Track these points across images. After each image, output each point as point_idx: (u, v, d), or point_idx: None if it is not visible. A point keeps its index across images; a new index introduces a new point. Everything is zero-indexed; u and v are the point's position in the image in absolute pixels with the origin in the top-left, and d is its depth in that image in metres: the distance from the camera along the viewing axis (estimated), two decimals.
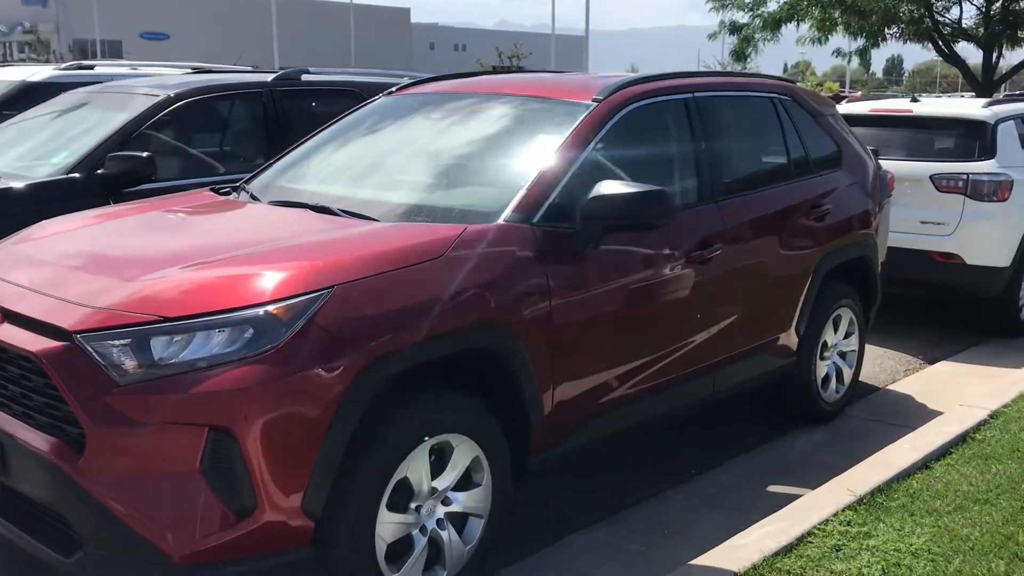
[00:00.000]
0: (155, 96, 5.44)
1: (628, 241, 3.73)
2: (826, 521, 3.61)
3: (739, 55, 21.09)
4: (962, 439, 4.56)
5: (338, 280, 2.89)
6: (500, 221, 3.40)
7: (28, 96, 7.13)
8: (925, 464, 4.26)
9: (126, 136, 5.18)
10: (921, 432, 4.68)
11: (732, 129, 4.60)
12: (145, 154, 4.93)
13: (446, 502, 3.21)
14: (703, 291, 4.11)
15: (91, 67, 7.86)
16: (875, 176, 5.45)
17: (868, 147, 5.70)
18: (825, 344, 5.08)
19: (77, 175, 4.97)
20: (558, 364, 3.47)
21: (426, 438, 3.06)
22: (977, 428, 4.68)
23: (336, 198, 3.77)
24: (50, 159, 5.19)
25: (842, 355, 5.28)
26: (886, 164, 6.96)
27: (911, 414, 5.33)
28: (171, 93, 5.46)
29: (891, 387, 5.91)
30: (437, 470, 3.15)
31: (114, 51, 52.70)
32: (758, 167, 4.77)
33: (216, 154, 5.71)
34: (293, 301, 2.79)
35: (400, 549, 3.09)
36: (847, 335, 5.28)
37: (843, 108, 7.72)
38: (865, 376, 6.05)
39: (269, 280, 2.85)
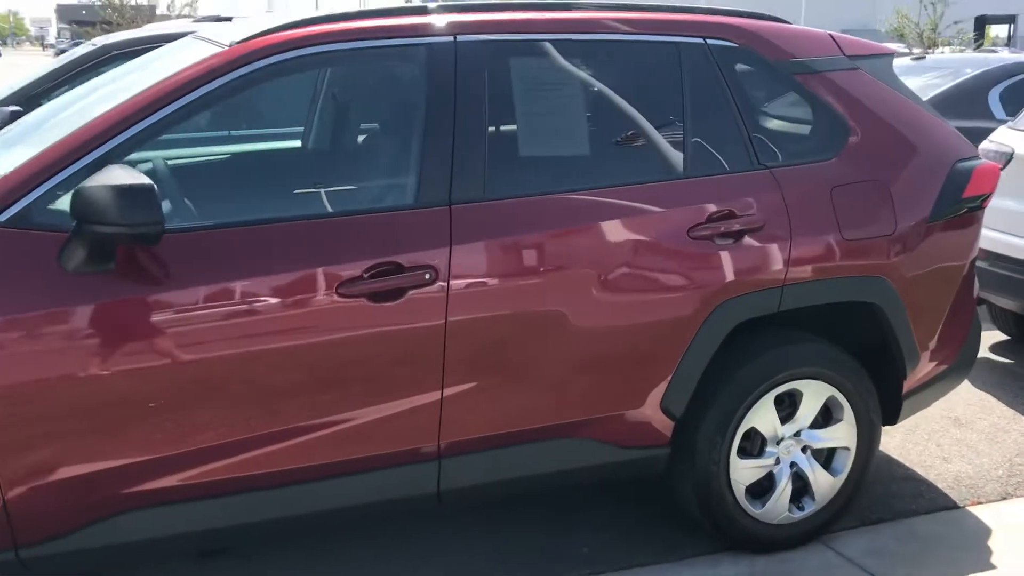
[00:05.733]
0: (91, 46, 4.98)
1: (184, 258, 2.49)
2: None
3: None
4: None
5: None
6: None
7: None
8: None
9: (32, 90, 4.78)
10: None
11: (545, 92, 2.99)
12: (11, 109, 4.48)
13: None
14: (393, 340, 2.69)
15: (229, 19, 7.66)
16: (928, 171, 3.35)
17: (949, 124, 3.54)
18: (757, 435, 3.23)
19: None
20: (14, 432, 2.39)
21: None
22: None
23: None
24: None
25: (818, 455, 3.34)
26: None
27: (947, 565, 3.27)
28: (102, 44, 4.96)
29: (978, 507, 3.71)
30: None
31: None
32: (588, 153, 3.06)
33: None
34: None
35: None
36: (825, 423, 3.33)
37: None
38: (955, 479, 3.92)
39: None
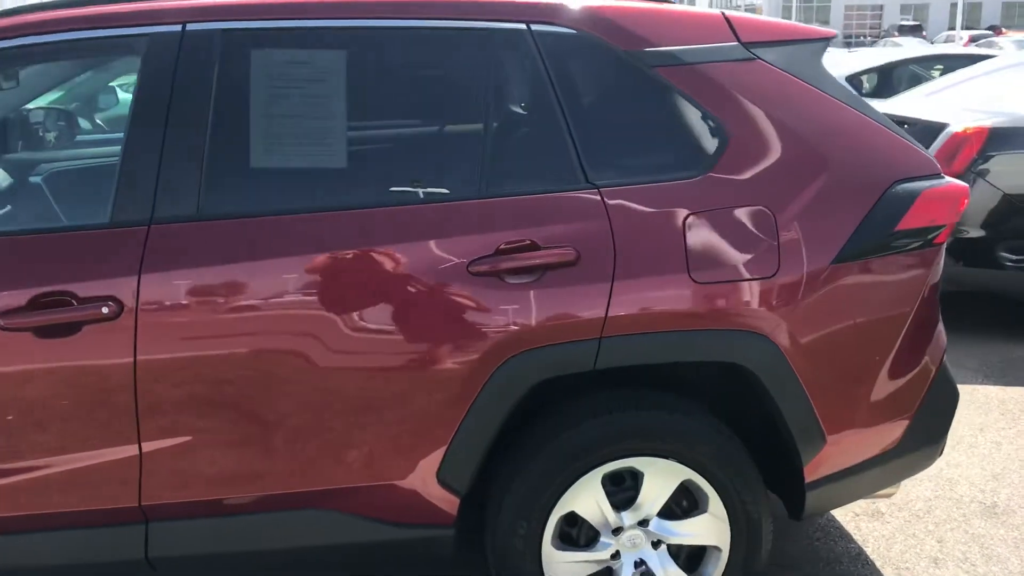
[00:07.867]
0: None
1: None
2: None
3: None
4: None
5: None
6: None
7: None
8: None
9: None
10: None
11: (296, 91, 2.44)
12: None
13: None
14: (70, 382, 2.31)
15: None
16: (842, 194, 2.54)
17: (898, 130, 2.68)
18: (578, 520, 2.57)
19: None
20: None
21: None
22: None
23: None
24: None
25: (677, 552, 2.63)
26: None
27: None
28: None
29: None
30: None
31: None
32: (344, 166, 2.46)
33: None
34: None
35: None
36: (684, 512, 2.61)
37: None
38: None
39: None
